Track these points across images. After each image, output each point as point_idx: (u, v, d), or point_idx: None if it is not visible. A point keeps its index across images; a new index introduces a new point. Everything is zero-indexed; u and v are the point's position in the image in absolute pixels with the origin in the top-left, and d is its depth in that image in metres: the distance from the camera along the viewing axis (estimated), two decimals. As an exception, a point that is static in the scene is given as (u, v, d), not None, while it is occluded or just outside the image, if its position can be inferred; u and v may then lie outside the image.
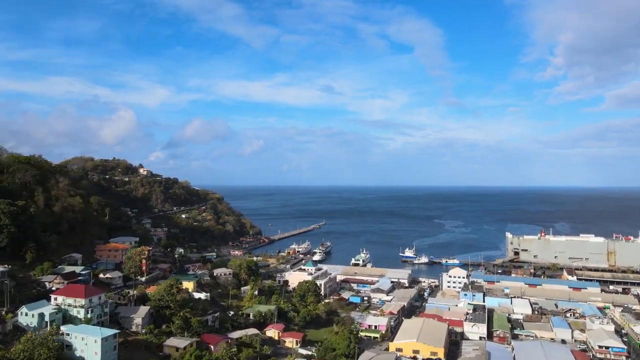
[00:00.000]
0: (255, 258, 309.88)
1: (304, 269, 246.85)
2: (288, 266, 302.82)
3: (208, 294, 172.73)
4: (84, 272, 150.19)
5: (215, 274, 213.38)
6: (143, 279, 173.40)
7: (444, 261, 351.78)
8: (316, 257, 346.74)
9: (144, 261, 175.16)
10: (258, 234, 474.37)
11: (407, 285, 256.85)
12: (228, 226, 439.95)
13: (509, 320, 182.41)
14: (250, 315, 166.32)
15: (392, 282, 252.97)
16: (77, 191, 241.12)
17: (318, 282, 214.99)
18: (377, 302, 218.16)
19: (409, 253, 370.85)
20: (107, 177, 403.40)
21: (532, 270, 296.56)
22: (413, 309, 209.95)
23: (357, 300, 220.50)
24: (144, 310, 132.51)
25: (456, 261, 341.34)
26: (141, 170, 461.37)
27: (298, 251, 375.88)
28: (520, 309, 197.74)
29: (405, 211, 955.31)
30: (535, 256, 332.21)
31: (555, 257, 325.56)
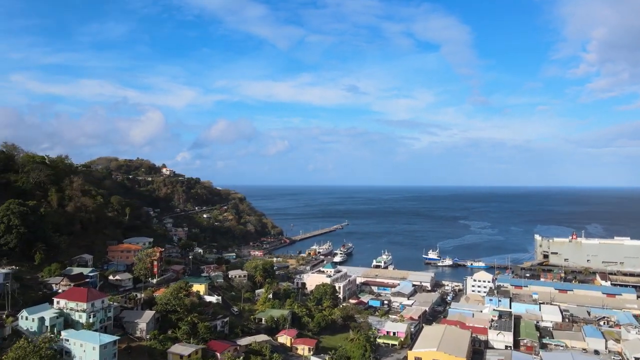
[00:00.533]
0: (275, 259, 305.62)
1: (323, 271, 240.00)
2: (308, 267, 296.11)
3: (220, 297, 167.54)
4: (91, 274, 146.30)
5: (230, 276, 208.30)
6: (154, 280, 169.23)
7: (468, 264, 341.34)
8: (337, 259, 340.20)
9: (155, 262, 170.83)
10: (279, 234, 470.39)
11: (429, 288, 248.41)
12: (249, 226, 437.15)
13: (537, 328, 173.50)
14: (262, 320, 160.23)
15: (413, 285, 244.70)
16: (98, 191, 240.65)
17: (337, 285, 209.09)
18: (398, 306, 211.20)
19: (432, 255, 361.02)
20: (130, 177, 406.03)
21: (562, 275, 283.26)
22: (435, 314, 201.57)
23: (376, 304, 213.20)
24: (149, 314, 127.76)
25: (482, 264, 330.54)
26: (164, 170, 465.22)
27: (319, 252, 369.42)
28: (550, 316, 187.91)
29: (430, 211, 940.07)
30: (565, 259, 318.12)
31: (588, 260, 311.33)
